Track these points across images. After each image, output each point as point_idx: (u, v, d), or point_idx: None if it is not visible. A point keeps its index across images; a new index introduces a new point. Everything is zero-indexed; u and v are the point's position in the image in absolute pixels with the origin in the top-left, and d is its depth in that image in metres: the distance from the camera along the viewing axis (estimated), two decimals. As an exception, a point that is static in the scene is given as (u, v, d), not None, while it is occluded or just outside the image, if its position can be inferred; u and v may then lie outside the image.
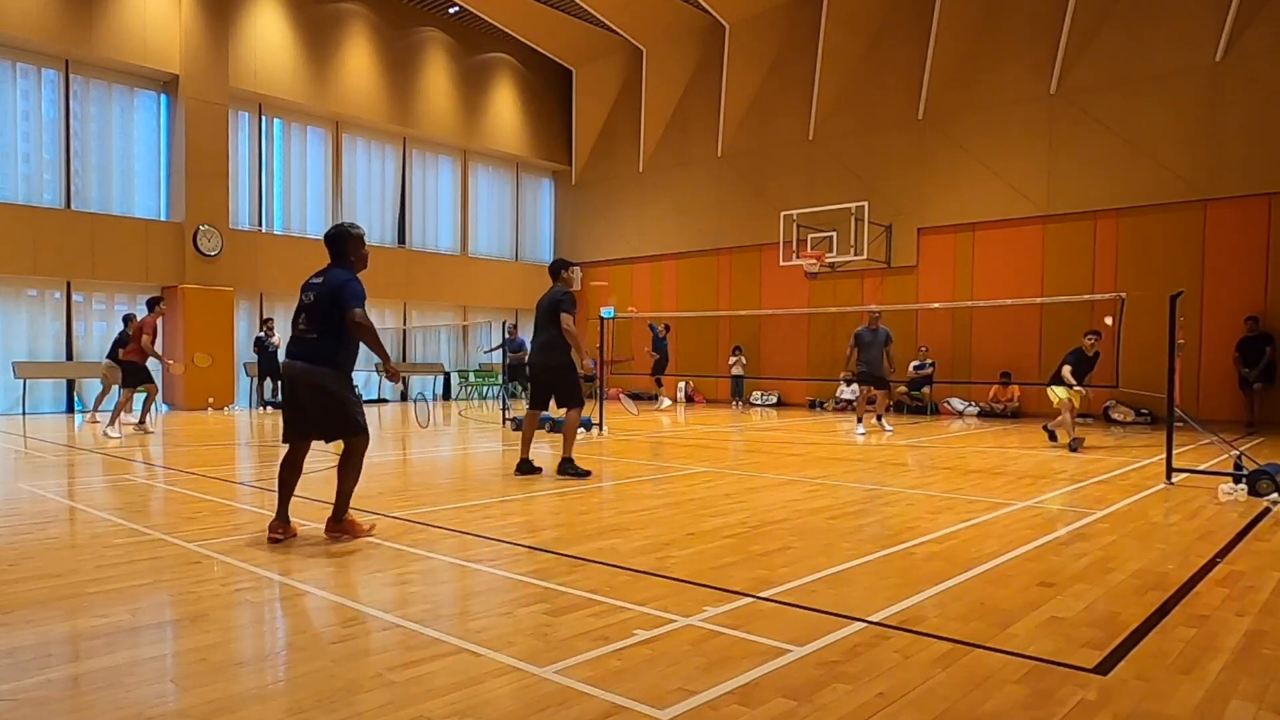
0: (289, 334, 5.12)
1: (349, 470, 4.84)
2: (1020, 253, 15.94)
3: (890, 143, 17.60)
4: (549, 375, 7.46)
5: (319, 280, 4.84)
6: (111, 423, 11.07)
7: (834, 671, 2.78)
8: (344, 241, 4.90)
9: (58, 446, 10.02)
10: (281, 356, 6.05)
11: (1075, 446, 9.89)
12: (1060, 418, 10.26)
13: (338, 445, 4.94)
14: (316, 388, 4.72)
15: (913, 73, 17.17)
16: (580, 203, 23.99)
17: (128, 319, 12.07)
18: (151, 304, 11.63)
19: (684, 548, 4.62)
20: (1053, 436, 10.69)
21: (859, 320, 17.77)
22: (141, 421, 11.71)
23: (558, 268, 7.70)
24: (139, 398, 11.79)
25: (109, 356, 12.38)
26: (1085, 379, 10.14)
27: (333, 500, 4.88)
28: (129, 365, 11.30)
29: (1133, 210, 14.77)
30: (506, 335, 16.16)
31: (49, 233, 15.32)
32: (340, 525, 4.87)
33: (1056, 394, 10.25)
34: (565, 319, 7.25)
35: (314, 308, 4.74)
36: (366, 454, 4.94)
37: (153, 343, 11.29)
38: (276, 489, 4.86)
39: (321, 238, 5.05)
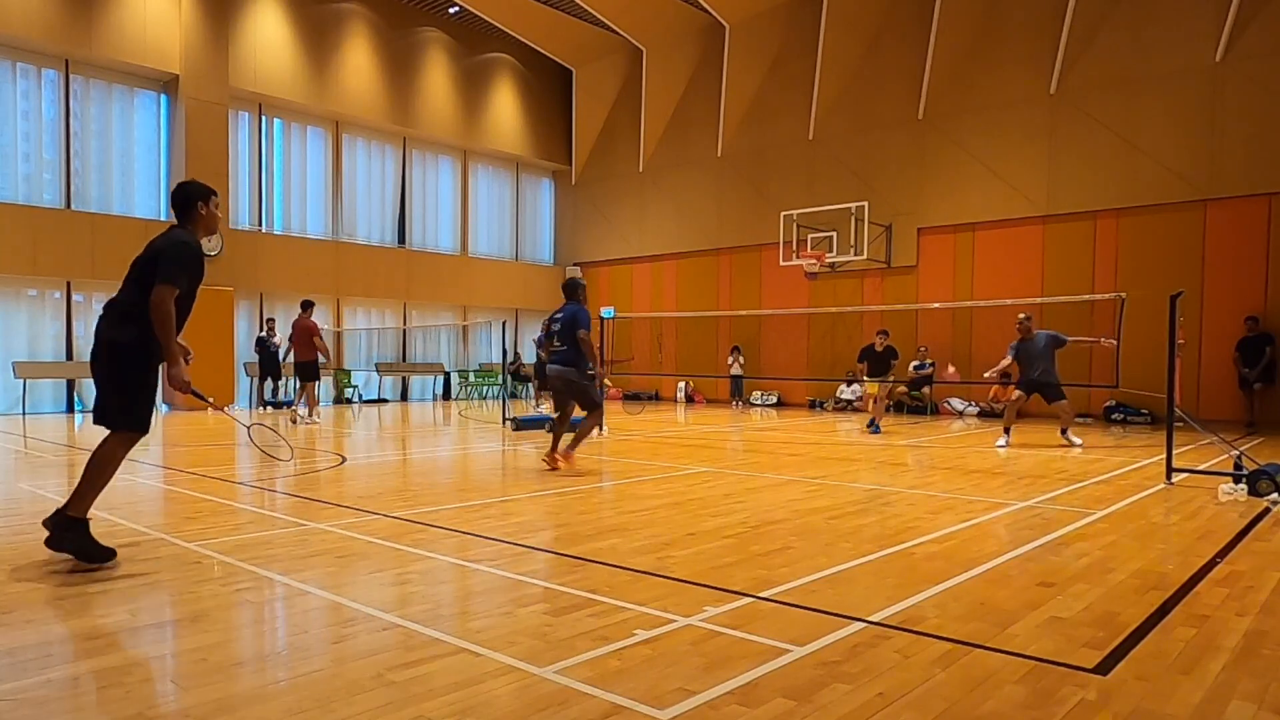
0: (538, 350, 7.39)
1: (588, 424, 7.54)
2: (1020, 253, 15.94)
3: (890, 143, 17.60)
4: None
5: (561, 315, 7.58)
6: (310, 412, 13.44)
7: (834, 671, 2.78)
8: (575, 288, 7.71)
9: (58, 446, 10.03)
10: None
11: (875, 427, 12.33)
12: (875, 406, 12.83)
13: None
14: (570, 381, 7.44)
15: (912, 73, 17.17)
16: (580, 203, 23.99)
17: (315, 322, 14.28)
18: (306, 305, 13.65)
19: (684, 548, 4.62)
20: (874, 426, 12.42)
21: (859, 320, 17.86)
22: (297, 410, 13.52)
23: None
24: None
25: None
26: (883, 373, 12.56)
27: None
28: (305, 364, 13.33)
29: (1133, 210, 14.77)
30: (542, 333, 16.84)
31: (49, 233, 15.33)
32: (566, 455, 7.39)
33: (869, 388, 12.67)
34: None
35: (562, 332, 7.47)
36: (367, 462, 4.99)
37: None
38: (557, 433, 7.82)
39: (561, 286, 7.94)
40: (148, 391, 4.28)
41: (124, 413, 4.18)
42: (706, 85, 20.68)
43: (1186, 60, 14.15)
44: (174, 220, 4.62)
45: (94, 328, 4.32)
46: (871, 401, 13.47)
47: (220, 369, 16.73)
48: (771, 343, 19.50)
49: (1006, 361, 10.56)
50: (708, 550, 4.56)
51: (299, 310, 13.73)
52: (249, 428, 6.94)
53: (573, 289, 7.73)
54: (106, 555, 4.11)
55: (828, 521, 5.41)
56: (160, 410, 16.28)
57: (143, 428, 4.25)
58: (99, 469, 4.15)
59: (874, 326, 17.51)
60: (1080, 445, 10.29)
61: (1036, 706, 2.51)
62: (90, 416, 4.32)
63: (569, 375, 7.43)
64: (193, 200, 4.55)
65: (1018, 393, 10.68)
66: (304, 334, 13.26)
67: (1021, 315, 10.50)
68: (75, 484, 4.23)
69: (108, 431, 4.23)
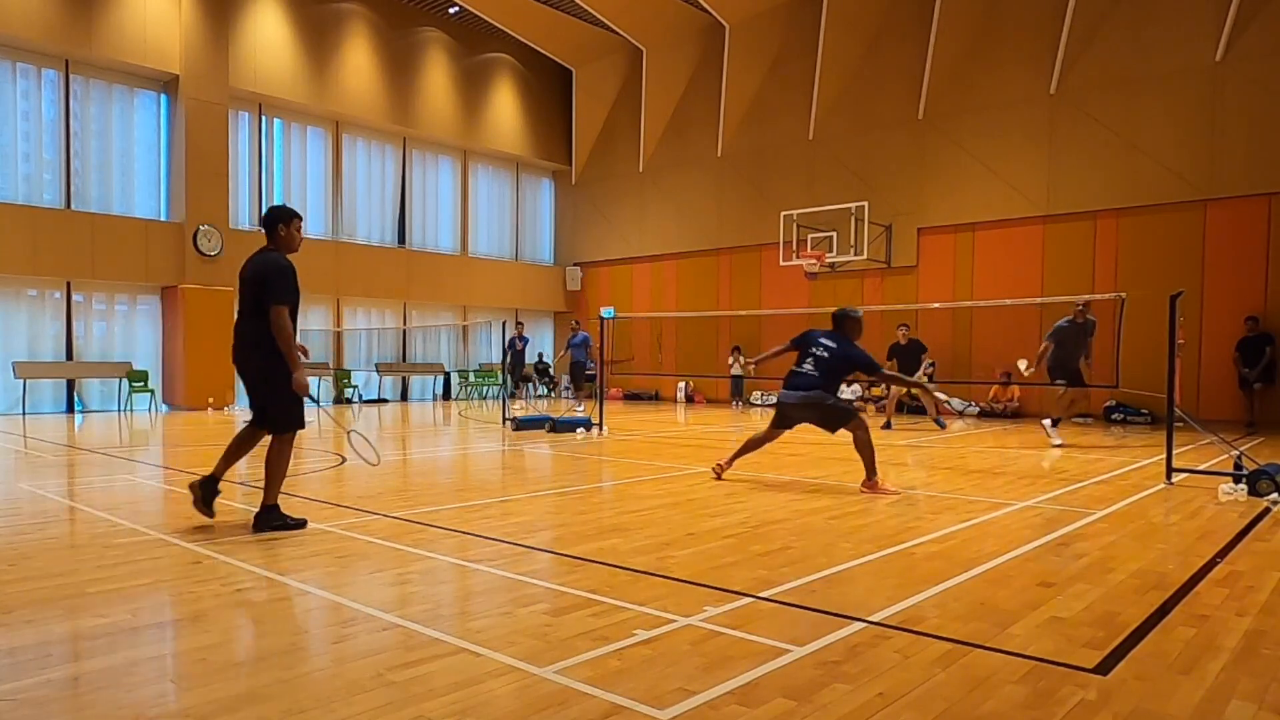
0: (791, 371, 7.17)
1: (862, 446, 6.70)
2: (1020, 253, 15.94)
3: (890, 143, 17.60)
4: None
5: (833, 345, 7.00)
6: None
7: (834, 671, 2.78)
8: (844, 320, 7.15)
9: (57, 446, 10.03)
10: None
11: (890, 425, 12.99)
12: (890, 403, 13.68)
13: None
14: (815, 405, 6.90)
15: (912, 73, 17.17)
16: (580, 203, 24.00)
17: None
18: None
19: (684, 548, 4.62)
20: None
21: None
22: None
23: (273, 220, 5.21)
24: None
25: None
26: (918, 368, 13.10)
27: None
28: None
29: (1133, 210, 14.77)
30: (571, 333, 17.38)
31: (49, 233, 15.32)
32: (871, 484, 6.61)
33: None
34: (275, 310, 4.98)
35: (825, 360, 6.94)
36: (366, 463, 5.47)
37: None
38: (741, 447, 7.37)
39: (831, 315, 7.29)
40: (295, 397, 5.07)
41: (283, 418, 5.08)
42: (706, 85, 20.68)
43: (1186, 60, 14.15)
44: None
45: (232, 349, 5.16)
46: (894, 401, 13.94)
47: (221, 368, 16.69)
48: (772, 343, 19.39)
49: (1045, 346, 10.38)
50: (708, 550, 4.56)
51: None
52: (349, 432, 7.12)
53: (841, 321, 7.17)
54: (298, 524, 5.11)
55: (828, 521, 5.41)
56: (161, 410, 16.28)
57: (299, 424, 5.13)
58: (275, 464, 5.08)
59: (874, 326, 17.57)
60: (1058, 444, 10.25)
61: (1036, 706, 2.51)
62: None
63: (814, 399, 6.93)
64: (275, 223, 5.16)
65: (1063, 386, 10.51)
66: None
67: (1080, 301, 10.46)
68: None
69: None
